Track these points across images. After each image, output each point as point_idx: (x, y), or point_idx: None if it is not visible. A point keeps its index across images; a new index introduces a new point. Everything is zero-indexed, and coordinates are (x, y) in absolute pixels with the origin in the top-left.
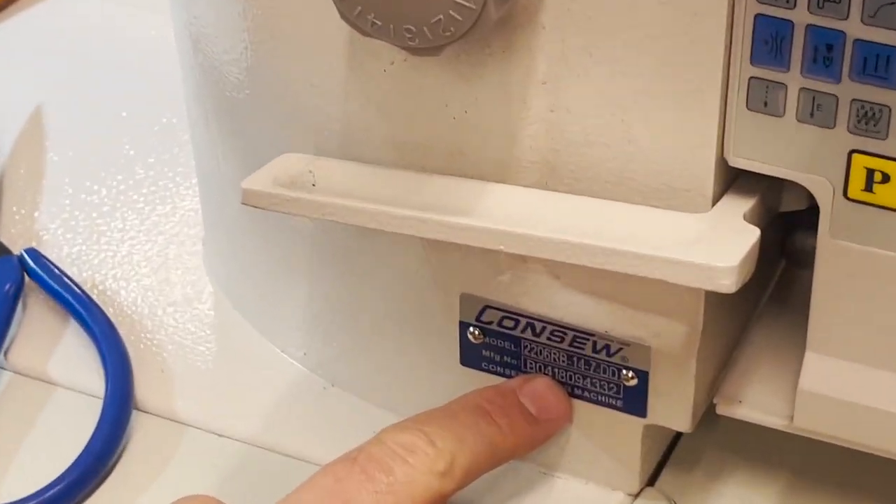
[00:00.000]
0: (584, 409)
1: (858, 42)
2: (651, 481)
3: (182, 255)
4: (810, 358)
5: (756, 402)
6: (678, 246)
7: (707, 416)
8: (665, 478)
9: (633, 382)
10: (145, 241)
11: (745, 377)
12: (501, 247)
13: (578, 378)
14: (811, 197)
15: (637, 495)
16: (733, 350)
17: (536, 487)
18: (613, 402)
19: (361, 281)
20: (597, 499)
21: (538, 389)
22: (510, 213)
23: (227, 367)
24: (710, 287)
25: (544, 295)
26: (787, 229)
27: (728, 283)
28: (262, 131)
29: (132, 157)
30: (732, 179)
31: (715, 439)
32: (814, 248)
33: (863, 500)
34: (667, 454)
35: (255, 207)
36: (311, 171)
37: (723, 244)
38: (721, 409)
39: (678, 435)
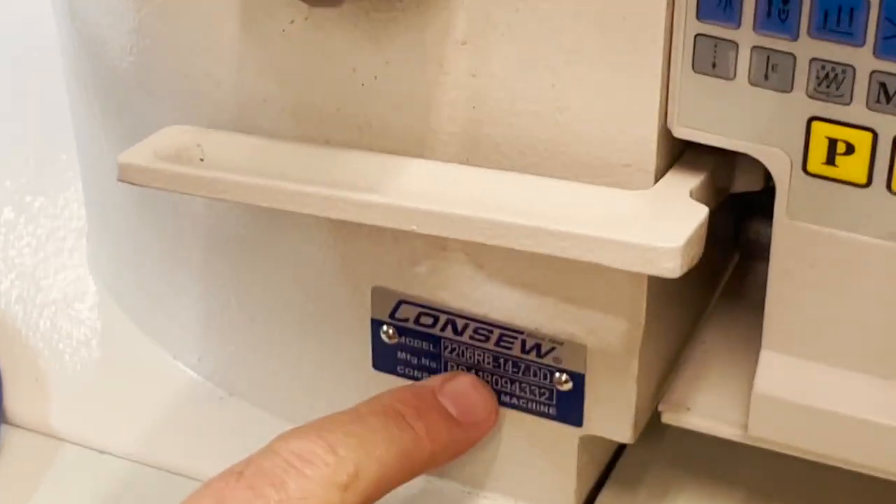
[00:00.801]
0: (512, 419)
1: None
2: (589, 501)
3: (62, 250)
4: (766, 357)
5: (706, 410)
6: (615, 225)
7: (652, 427)
8: (605, 498)
9: (568, 387)
10: (21, 236)
11: (694, 381)
12: (414, 227)
13: (506, 382)
14: (768, 176)
15: None
16: (681, 351)
17: None
18: (545, 410)
19: (260, 275)
20: None
21: (460, 389)
22: (425, 189)
23: (110, 375)
24: (651, 271)
25: (466, 287)
26: (742, 217)
27: (671, 267)
28: (149, 105)
29: (6, 140)
30: (678, 153)
31: (661, 453)
32: (769, 238)
33: None
34: (606, 471)
35: (134, 185)
36: (199, 145)
37: (666, 223)
38: (667, 418)
39: (619, 448)
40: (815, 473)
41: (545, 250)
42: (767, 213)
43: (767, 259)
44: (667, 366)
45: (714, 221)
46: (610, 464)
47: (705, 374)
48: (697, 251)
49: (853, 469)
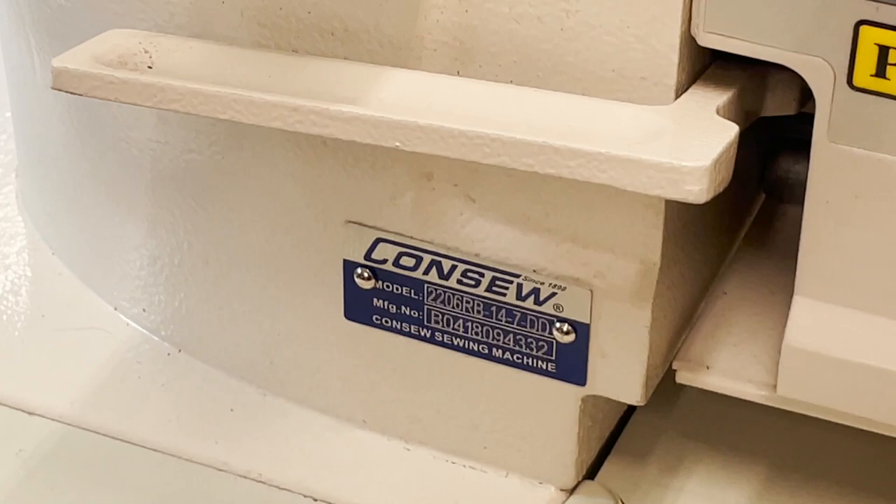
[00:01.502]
0: (504, 377)
1: None
2: (591, 473)
3: None
4: (799, 305)
5: (727, 368)
6: (632, 142)
7: (665, 388)
8: (608, 469)
9: (569, 339)
10: None
11: (713, 336)
12: (398, 143)
13: (498, 334)
14: (804, 99)
15: (572, 491)
16: (699, 302)
17: (444, 481)
18: (543, 366)
19: (215, 211)
20: (520, 495)
21: None
22: (411, 102)
23: (42, 327)
24: (673, 195)
25: (455, 223)
26: (769, 153)
27: (697, 190)
28: (88, 12)
29: None
30: (702, 67)
31: (674, 419)
32: (801, 176)
33: (862, 501)
34: (612, 439)
35: (70, 93)
36: (146, 51)
37: (691, 140)
38: (683, 377)
39: (627, 413)
40: (851, 443)
41: (551, 170)
42: (798, 148)
43: (797, 201)
44: (683, 318)
45: (738, 156)
46: (615, 431)
47: (726, 328)
48: (726, 175)
49: None
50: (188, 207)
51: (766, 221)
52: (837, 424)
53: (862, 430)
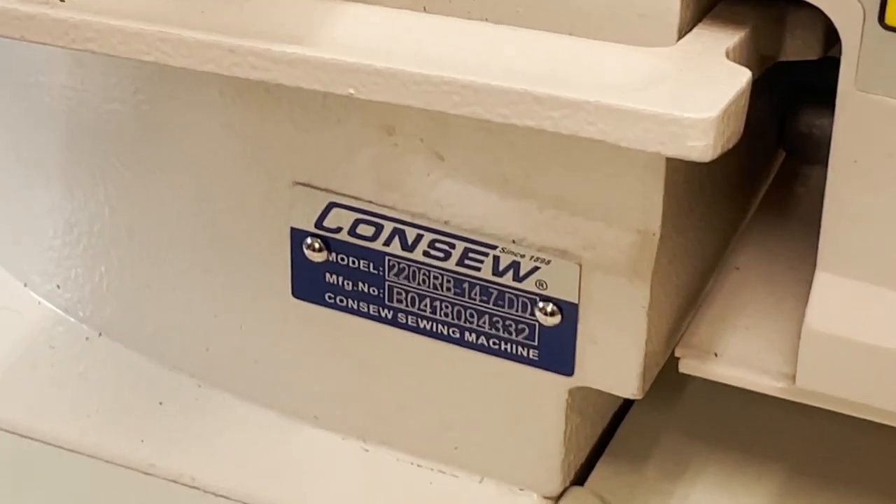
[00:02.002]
0: (479, 367)
1: None
2: (580, 478)
3: None
4: (822, 282)
5: (739, 356)
6: (626, 90)
7: (666, 379)
8: (600, 474)
9: (554, 321)
10: None
11: (723, 319)
12: (351, 91)
13: (471, 316)
14: (826, 40)
15: (558, 499)
16: (707, 279)
17: (408, 487)
18: (524, 354)
19: (141, 172)
20: (498, 503)
21: None
22: (368, 41)
23: None
24: (673, 152)
25: (421, 185)
26: (789, 106)
27: (701, 146)
28: None
29: None
30: (710, 2)
31: (676, 416)
32: (825, 132)
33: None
34: (604, 439)
35: None
36: None
37: (695, 88)
38: (687, 366)
39: (622, 409)
40: (885, 444)
41: (531, 122)
42: (823, 99)
43: (822, 160)
44: (688, 297)
45: (753, 108)
46: (609, 430)
47: (738, 310)
48: (735, 129)
49: None
50: (109, 167)
51: (787, 185)
52: (867, 422)
53: None
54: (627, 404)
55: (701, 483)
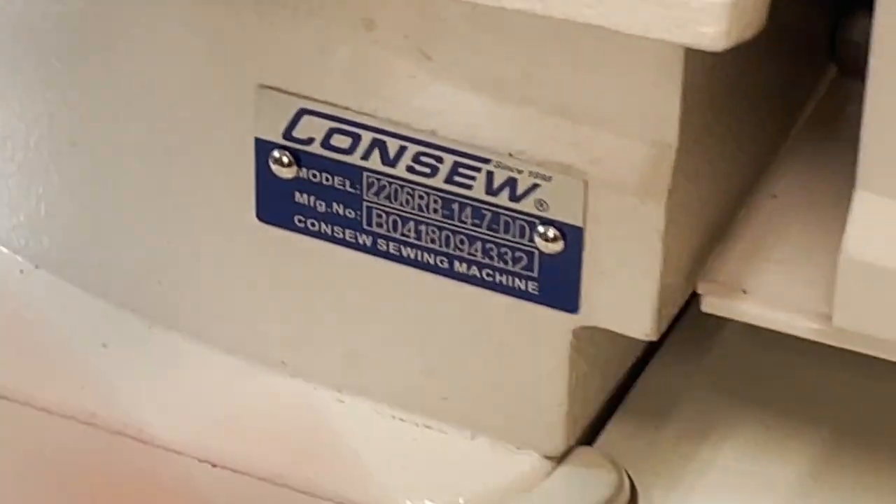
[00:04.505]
0: (469, 302)
1: None
2: (588, 438)
3: None
4: (862, 202)
5: (771, 293)
6: None
7: (695, 324)
8: (612, 433)
9: (557, 248)
10: None
11: (756, 251)
12: None
13: (461, 242)
14: None
15: (562, 460)
16: (739, 207)
17: (388, 443)
18: (522, 286)
19: (85, 75)
20: (490, 464)
21: None
22: None
23: None
24: (681, 39)
25: (405, 88)
26: (841, 13)
27: (713, 32)
28: None
29: None
30: None
31: (704, 369)
32: None
33: None
34: (619, 393)
35: None
36: None
37: None
38: (710, 304)
39: (642, 360)
40: None
41: (520, 3)
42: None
43: None
44: (714, 225)
45: (795, 13)
46: (625, 383)
47: (773, 241)
48: (755, 17)
49: None
50: (50, 68)
51: (837, 103)
52: None
53: None
54: (648, 356)
55: (728, 447)
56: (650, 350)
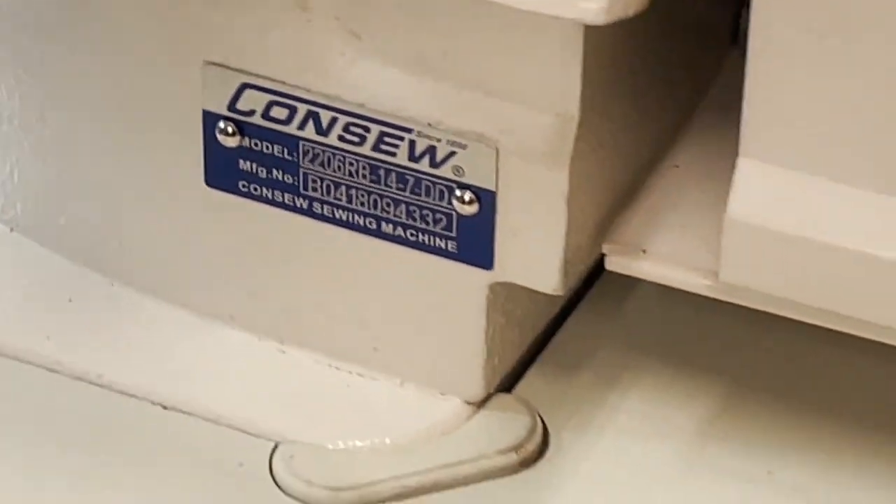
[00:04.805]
0: (396, 259)
1: None
2: (508, 386)
3: None
4: (745, 169)
5: (668, 252)
6: None
7: (613, 286)
8: (530, 381)
9: (472, 210)
10: None
11: (656, 214)
12: None
13: (387, 205)
14: None
15: (481, 405)
16: (645, 177)
17: (325, 390)
18: (442, 245)
19: (53, 51)
20: (417, 408)
21: None
22: None
23: None
24: (565, 13)
25: (336, 65)
26: (743, 6)
27: (595, 8)
28: None
29: None
30: None
31: (619, 325)
32: None
33: (845, 424)
34: (538, 350)
35: None
36: None
37: None
38: (613, 263)
39: (560, 315)
40: (836, 354)
41: None
42: None
43: None
44: (619, 191)
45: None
46: (543, 341)
47: (673, 206)
48: None
49: (863, 334)
50: (22, 47)
51: (738, 83)
52: (824, 332)
53: (852, 340)
54: (567, 313)
55: (635, 393)
56: (569, 307)
